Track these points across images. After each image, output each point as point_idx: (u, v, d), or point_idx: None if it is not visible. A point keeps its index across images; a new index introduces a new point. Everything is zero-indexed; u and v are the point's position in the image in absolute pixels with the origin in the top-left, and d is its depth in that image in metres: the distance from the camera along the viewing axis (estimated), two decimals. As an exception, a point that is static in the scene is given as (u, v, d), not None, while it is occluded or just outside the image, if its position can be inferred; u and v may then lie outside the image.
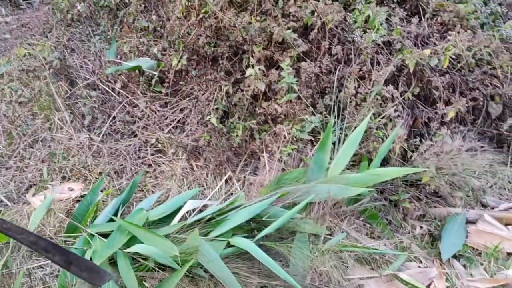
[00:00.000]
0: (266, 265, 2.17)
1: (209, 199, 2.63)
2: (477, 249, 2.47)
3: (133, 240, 2.26)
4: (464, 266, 2.40)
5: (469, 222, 2.57)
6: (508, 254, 2.42)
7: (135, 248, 2.21)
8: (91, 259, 2.23)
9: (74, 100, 3.36)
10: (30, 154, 3.00)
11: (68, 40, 3.72)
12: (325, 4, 2.91)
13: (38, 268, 2.26)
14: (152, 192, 2.78)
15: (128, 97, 3.31)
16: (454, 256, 2.44)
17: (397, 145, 2.62)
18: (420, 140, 2.74)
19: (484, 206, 2.70)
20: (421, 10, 2.98)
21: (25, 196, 2.78)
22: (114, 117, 3.23)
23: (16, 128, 3.10)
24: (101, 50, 3.62)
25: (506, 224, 2.53)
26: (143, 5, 3.58)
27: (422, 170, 2.55)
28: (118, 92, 3.37)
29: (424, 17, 2.95)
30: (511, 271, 2.32)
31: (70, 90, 3.38)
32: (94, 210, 2.48)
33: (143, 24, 3.51)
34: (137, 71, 3.36)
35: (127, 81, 3.39)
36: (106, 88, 3.39)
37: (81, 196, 2.71)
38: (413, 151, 2.70)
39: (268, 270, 2.20)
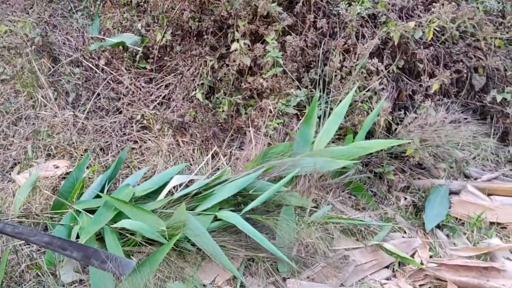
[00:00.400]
0: (253, 238, 2.19)
1: (196, 174, 2.63)
2: (460, 219, 2.52)
3: (120, 215, 2.27)
4: (448, 235, 2.45)
5: (452, 193, 2.61)
6: (491, 223, 2.48)
7: (122, 224, 2.22)
8: (78, 236, 2.23)
9: (57, 77, 3.31)
10: (14, 132, 2.97)
11: (49, 16, 3.65)
12: (310, -23, 2.89)
13: (24, 245, 2.26)
14: (138, 168, 2.78)
15: (112, 74, 3.28)
16: (438, 226, 2.49)
17: (381, 118, 2.63)
18: (405, 113, 2.76)
19: (467, 177, 2.74)
20: (406, -18, 2.96)
21: (10, 174, 2.76)
22: (98, 94, 3.20)
23: (-1, 106, 3.07)
24: (83, 26, 3.56)
25: (489, 194, 2.58)
26: (125, -20, 3.52)
27: (406, 142, 2.57)
28: (102, 69, 3.33)
29: (408, -11, 2.94)
30: (494, 240, 2.37)
31: (53, 67, 3.33)
32: (80, 187, 2.47)
33: (126, -1, 3.45)
34: (121, 47, 3.32)
35: (111, 57, 3.35)
36: (90, 65, 3.35)
37: (67, 173, 2.70)
38: (397, 124, 2.72)
39: (255, 243, 2.23)
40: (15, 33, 3.48)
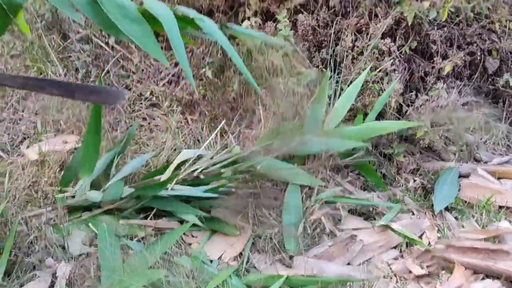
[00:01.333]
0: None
1: (204, 150, 2.63)
2: (469, 202, 2.50)
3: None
4: (456, 218, 2.43)
5: (462, 176, 2.60)
6: (500, 207, 2.45)
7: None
8: (88, 209, 2.24)
9: (67, 53, 3.30)
10: (24, 107, 2.98)
11: (60, -8, 3.63)
12: (323, -45, 2.84)
13: (33, 217, 2.27)
14: (147, 145, 2.78)
15: (122, 51, 3.26)
16: (446, 209, 2.47)
17: (392, 99, 2.61)
18: (416, 95, 2.73)
19: (477, 160, 2.72)
20: (421, -38, 2.91)
21: (19, 148, 2.77)
22: (108, 71, 3.19)
23: (9, 81, 3.06)
24: (94, 3, 3.54)
25: (499, 178, 2.56)
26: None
27: (417, 125, 2.55)
28: (112, 46, 3.31)
29: (423, -31, 2.89)
30: (503, 223, 2.35)
31: (63, 43, 3.32)
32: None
33: (136, -25, 3.41)
34: (131, 24, 3.30)
35: (121, 34, 3.33)
36: (100, 42, 3.33)
37: (75, 149, 2.71)
38: (408, 106, 2.70)
39: (262, 219, 2.23)
40: (25, 8, 3.46)
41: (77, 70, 3.23)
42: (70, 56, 3.27)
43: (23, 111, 2.95)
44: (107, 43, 3.34)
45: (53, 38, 3.31)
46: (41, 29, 3.30)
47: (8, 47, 3.25)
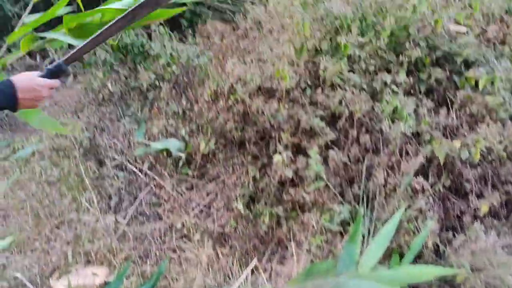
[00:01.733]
0: None
1: (235, 291, 2.56)
2: None
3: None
4: None
5: (507, 323, 2.45)
6: None
7: None
8: None
9: (101, 180, 3.39)
10: (56, 236, 3.00)
11: (99, 120, 3.82)
12: (353, 93, 2.95)
13: None
14: (177, 280, 2.73)
15: (155, 179, 3.34)
16: None
17: (429, 240, 2.55)
18: (453, 234, 2.67)
19: (522, 306, 2.57)
20: (448, 101, 2.99)
21: (49, 280, 2.74)
22: (140, 199, 3.23)
23: (44, 209, 3.12)
24: (130, 130, 3.70)
25: (547, 327, 2.41)
26: (173, 90, 3.68)
27: (457, 272, 2.45)
28: (145, 173, 3.40)
29: (452, 108, 2.95)
30: None
31: (98, 170, 3.42)
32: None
33: (173, 108, 3.58)
34: (164, 153, 3.41)
35: (155, 162, 3.43)
36: (134, 169, 3.43)
37: (105, 283, 2.67)
38: (445, 245, 2.62)
39: None
40: (65, 135, 3.63)
41: (110, 197, 3.29)
42: (104, 183, 3.35)
43: (55, 241, 2.97)
44: (140, 170, 3.43)
45: (89, 165, 3.43)
46: (78, 156, 3.42)
47: (45, 174, 3.36)
